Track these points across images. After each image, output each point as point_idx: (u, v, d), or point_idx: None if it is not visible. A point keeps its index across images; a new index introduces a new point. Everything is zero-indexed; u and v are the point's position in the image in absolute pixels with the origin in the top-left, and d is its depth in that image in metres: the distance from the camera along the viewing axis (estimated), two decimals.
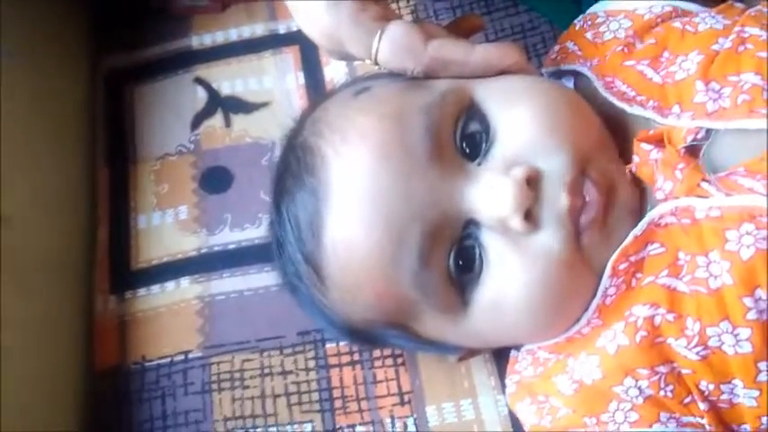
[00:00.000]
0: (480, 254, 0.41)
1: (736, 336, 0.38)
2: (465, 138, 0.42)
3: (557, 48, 0.52)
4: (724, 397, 0.40)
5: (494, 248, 0.41)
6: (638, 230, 0.41)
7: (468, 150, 0.42)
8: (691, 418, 0.41)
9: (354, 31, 0.44)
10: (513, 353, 0.49)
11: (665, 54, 0.45)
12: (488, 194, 0.40)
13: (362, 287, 0.42)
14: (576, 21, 0.52)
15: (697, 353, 0.39)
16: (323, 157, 0.42)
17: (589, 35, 0.49)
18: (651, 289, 0.40)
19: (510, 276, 0.41)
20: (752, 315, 0.38)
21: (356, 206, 0.41)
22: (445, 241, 0.41)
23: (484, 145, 0.42)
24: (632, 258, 0.41)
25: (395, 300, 0.42)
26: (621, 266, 0.41)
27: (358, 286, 0.43)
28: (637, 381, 0.41)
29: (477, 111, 0.42)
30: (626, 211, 0.42)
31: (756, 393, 0.39)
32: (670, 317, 0.40)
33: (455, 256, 0.41)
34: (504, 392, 0.51)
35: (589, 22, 0.51)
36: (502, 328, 0.43)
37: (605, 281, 0.41)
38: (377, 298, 0.43)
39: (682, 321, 0.39)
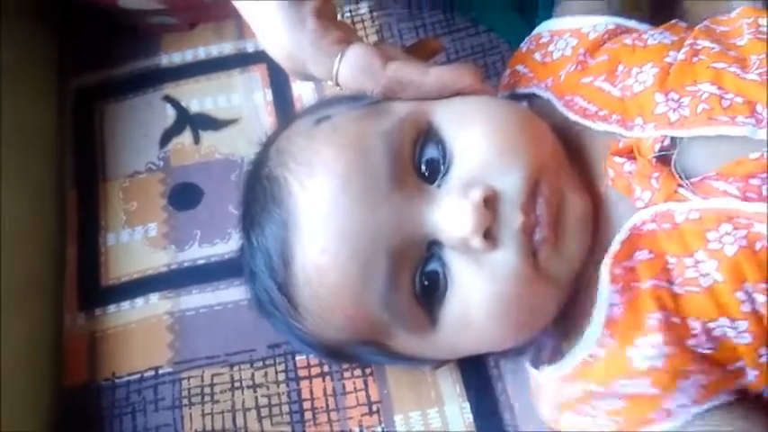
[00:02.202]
0: (444, 273, 0.42)
1: (736, 328, 0.40)
2: (423, 161, 0.43)
3: (507, 72, 0.53)
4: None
5: (457, 267, 0.42)
6: (622, 236, 0.42)
7: (427, 173, 0.43)
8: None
9: (316, 54, 0.45)
10: (532, 381, 0.48)
11: (620, 68, 0.46)
12: (449, 216, 0.41)
13: (335, 312, 0.44)
14: (522, 44, 0.53)
15: (708, 348, 0.41)
16: (289, 189, 0.43)
17: (537, 56, 0.51)
18: (657, 294, 0.41)
19: (474, 293, 0.42)
20: (746, 307, 0.40)
21: (324, 236, 0.42)
22: (410, 263, 0.42)
23: (442, 167, 0.43)
24: (625, 264, 0.42)
25: (366, 322, 0.44)
26: (617, 271, 0.42)
27: (330, 312, 0.44)
28: (690, 378, 0.41)
29: (434, 134, 0.43)
30: (578, 220, 0.43)
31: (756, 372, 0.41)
32: (676, 320, 0.41)
33: (420, 277, 0.42)
34: (468, 400, 0.53)
35: (534, 43, 0.52)
36: (471, 340, 0.45)
37: (605, 288, 0.41)
38: (349, 321, 0.44)
39: (685, 323, 0.41)
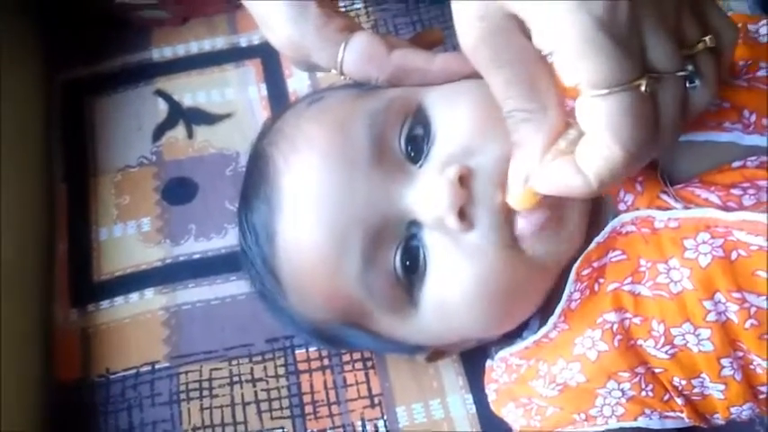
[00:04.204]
0: (424, 253, 0.42)
1: (697, 336, 0.41)
2: (409, 141, 0.43)
3: None
4: (696, 390, 0.42)
5: (435, 247, 0.42)
6: (600, 238, 0.42)
7: (412, 153, 0.43)
8: (671, 413, 0.43)
9: (320, 43, 0.45)
10: (488, 362, 0.50)
11: None
12: (424, 195, 0.41)
13: (312, 289, 0.44)
14: None
15: (666, 351, 0.41)
16: (274, 165, 0.44)
17: None
18: (617, 295, 0.42)
19: (451, 273, 0.41)
20: (711, 317, 0.40)
21: (303, 212, 0.42)
22: (390, 242, 0.42)
23: (425, 147, 0.43)
24: (595, 264, 0.43)
25: (343, 300, 0.43)
26: (584, 272, 0.43)
27: (309, 288, 0.44)
28: (619, 383, 0.43)
29: (422, 115, 0.43)
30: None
31: (722, 387, 0.41)
32: (637, 320, 0.42)
33: (401, 256, 0.42)
34: (471, 391, 0.53)
35: None
36: (451, 324, 0.44)
37: (569, 286, 0.43)
38: (326, 299, 0.44)
39: (648, 323, 0.41)
